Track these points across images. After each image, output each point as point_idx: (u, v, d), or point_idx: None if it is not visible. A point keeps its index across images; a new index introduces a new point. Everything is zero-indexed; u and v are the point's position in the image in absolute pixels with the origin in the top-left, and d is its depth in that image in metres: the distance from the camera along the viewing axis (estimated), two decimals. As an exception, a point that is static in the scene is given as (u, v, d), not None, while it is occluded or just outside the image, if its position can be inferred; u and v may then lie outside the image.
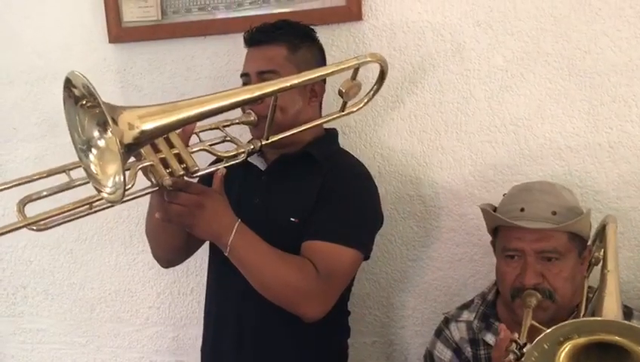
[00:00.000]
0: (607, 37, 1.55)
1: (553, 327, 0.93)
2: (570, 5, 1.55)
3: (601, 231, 1.42)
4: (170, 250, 1.50)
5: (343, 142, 1.62)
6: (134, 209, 1.88)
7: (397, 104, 1.70)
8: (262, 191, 1.46)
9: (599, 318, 0.98)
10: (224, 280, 1.47)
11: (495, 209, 1.43)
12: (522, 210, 1.33)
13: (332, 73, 1.33)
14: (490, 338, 1.40)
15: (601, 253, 1.31)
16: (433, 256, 1.75)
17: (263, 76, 1.38)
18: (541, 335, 0.93)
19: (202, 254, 1.57)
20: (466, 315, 1.46)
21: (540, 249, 1.30)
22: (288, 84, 1.24)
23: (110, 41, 1.81)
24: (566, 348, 0.92)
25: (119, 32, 1.80)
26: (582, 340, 0.90)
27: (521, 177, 1.62)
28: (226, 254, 1.26)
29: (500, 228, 1.38)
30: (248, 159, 1.48)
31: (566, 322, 0.94)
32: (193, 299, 1.93)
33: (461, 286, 1.72)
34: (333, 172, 1.42)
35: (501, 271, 1.37)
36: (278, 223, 1.39)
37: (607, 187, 1.60)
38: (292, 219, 1.40)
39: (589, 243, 1.41)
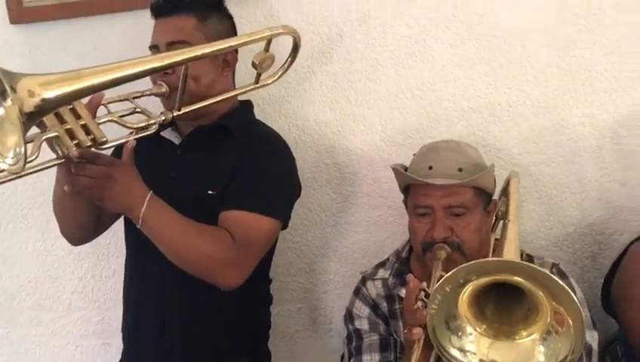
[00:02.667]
0: (503, 1, 1.64)
1: (453, 270, 0.97)
2: (467, -29, 1.63)
3: (506, 186, 1.51)
4: (79, 226, 1.48)
5: (258, 114, 1.63)
6: (49, 193, 1.83)
7: (308, 75, 1.74)
8: (177, 165, 1.47)
9: (495, 258, 1.04)
10: (142, 256, 1.46)
11: (406, 169, 1.49)
12: (430, 168, 1.39)
13: (244, 43, 1.34)
14: (404, 293, 1.46)
15: (505, 207, 1.41)
16: (351, 220, 1.81)
17: (172, 47, 1.38)
18: (442, 279, 0.98)
19: (123, 234, 1.57)
20: (382, 273, 1.52)
21: (447, 204, 1.36)
22: (200, 53, 1.24)
23: (11, 22, 1.75)
24: (467, 290, 0.98)
25: (20, 13, 1.74)
26: (481, 281, 0.96)
27: (429, 140, 1.64)
28: (139, 226, 1.26)
29: (411, 186, 1.44)
30: (162, 134, 1.49)
31: (465, 264, 0.98)
32: (116, 280, 1.91)
33: (379, 248, 1.78)
34: (249, 143, 1.44)
35: (413, 228, 1.43)
36: (196, 196, 1.40)
37: (508, 144, 1.69)
38: (210, 191, 1.40)
39: (495, 197, 1.49)
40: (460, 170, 1.38)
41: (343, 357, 1.53)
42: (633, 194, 1.66)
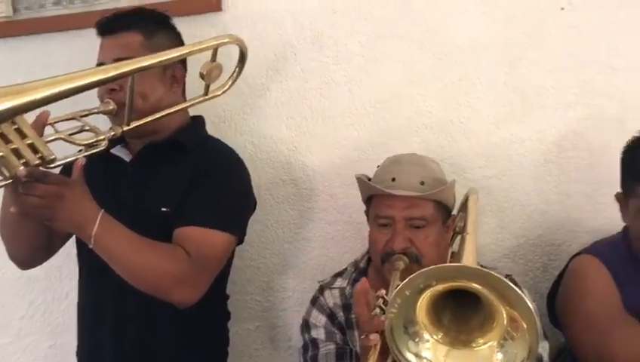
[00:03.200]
0: (453, 19, 1.68)
1: (413, 275, 0.98)
2: (417, -11, 1.67)
3: (465, 201, 1.55)
4: (28, 249, 1.44)
5: (213, 131, 1.63)
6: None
7: (263, 92, 1.75)
8: (129, 184, 1.45)
9: (455, 264, 1.06)
10: (97, 276, 1.44)
11: (369, 180, 1.51)
12: (393, 179, 1.41)
13: (190, 53, 1.35)
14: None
15: (464, 222, 1.44)
16: (308, 236, 1.81)
17: None
18: (402, 283, 0.98)
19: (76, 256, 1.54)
20: (339, 282, 1.53)
21: (409, 216, 1.38)
22: (145, 63, 1.24)
23: (-41, 40, 1.72)
24: (426, 296, 0.99)
25: (-32, 30, 1.71)
26: (439, 287, 0.98)
27: (384, 155, 1.69)
28: (91, 246, 1.24)
29: (374, 197, 1.46)
30: (112, 151, 1.47)
31: (424, 269, 0.99)
32: (69, 303, 1.86)
33: (336, 264, 1.78)
34: (203, 158, 1.44)
35: (373, 238, 1.45)
36: (149, 214, 1.39)
37: (460, 159, 1.73)
38: (163, 208, 1.39)
39: (454, 212, 1.52)
40: (422, 183, 1.40)
41: None
42: (578, 205, 1.72)
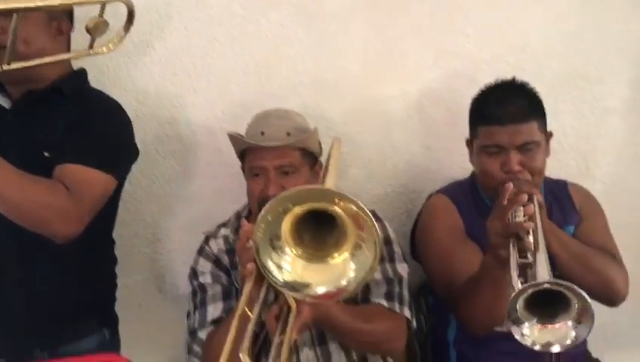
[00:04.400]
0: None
1: (272, 200, 1.08)
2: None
3: (330, 149, 1.70)
4: None
5: (97, 87, 1.67)
6: None
7: (147, 50, 1.80)
8: (9, 131, 1.47)
9: (308, 186, 1.17)
10: None
11: (242, 137, 1.62)
12: (262, 133, 1.54)
13: (78, 3, 1.39)
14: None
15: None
16: (195, 190, 1.90)
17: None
18: (262, 210, 1.08)
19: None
20: (224, 231, 1.65)
21: (279, 164, 1.52)
22: (31, 5, 1.27)
23: None
24: (289, 217, 1.11)
25: None
26: (298, 209, 1.11)
27: None
28: None
29: (246, 151, 1.58)
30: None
31: (282, 193, 1.09)
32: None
33: (222, 215, 1.85)
34: (83, 104, 1.49)
35: (249, 189, 1.57)
36: (31, 160, 1.41)
37: (334, 115, 1.90)
38: (45, 153, 1.43)
39: (321, 159, 1.67)
40: (289, 134, 1.54)
41: (188, 314, 1.61)
42: (437, 157, 1.96)
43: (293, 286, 1.15)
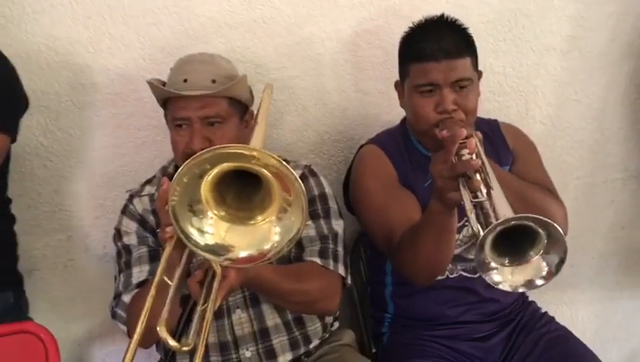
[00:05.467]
0: None
1: (186, 162, 1.00)
2: None
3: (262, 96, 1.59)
4: None
5: (2, 33, 1.51)
6: None
7: (54, -9, 1.63)
8: None
9: (226, 147, 1.07)
10: None
11: (164, 84, 1.49)
12: (185, 80, 1.41)
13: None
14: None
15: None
16: (116, 143, 1.77)
17: None
18: (177, 173, 1.00)
19: None
20: (148, 189, 1.55)
21: (204, 115, 1.41)
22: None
23: None
24: (209, 177, 1.03)
25: None
26: (217, 169, 1.02)
27: None
28: None
29: (169, 100, 1.46)
30: None
31: (195, 156, 0.99)
32: None
33: (147, 169, 1.76)
34: None
35: (173, 141, 1.46)
36: None
37: (265, 60, 1.78)
38: None
39: (252, 108, 1.57)
40: (214, 81, 1.42)
41: (116, 277, 1.54)
42: (375, 102, 1.87)
43: (215, 250, 1.08)
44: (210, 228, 1.06)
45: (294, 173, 0.99)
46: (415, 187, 1.55)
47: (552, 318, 1.67)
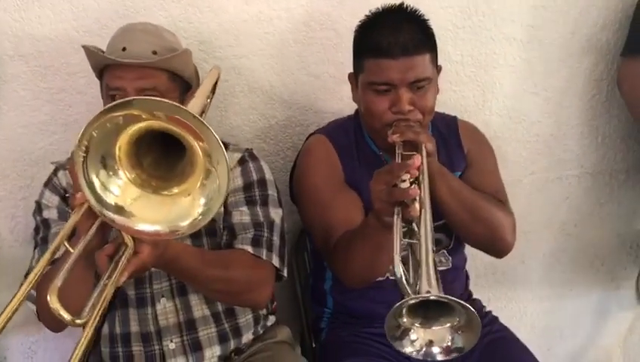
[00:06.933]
0: None
1: (98, 113, 0.91)
2: None
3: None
4: None
5: None
6: None
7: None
8: None
9: (148, 97, 1.01)
10: None
11: (103, 53, 1.39)
12: (124, 49, 1.33)
13: None
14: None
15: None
16: (45, 119, 1.65)
17: None
18: (86, 124, 0.91)
19: None
20: (74, 161, 1.44)
21: (140, 87, 1.32)
22: None
23: None
24: (124, 136, 0.94)
25: None
26: (133, 127, 0.92)
27: None
28: None
29: (106, 68, 1.37)
30: None
31: (107, 106, 0.92)
32: None
33: None
34: None
35: None
36: None
37: (210, 37, 1.67)
38: None
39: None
40: (155, 52, 1.34)
41: None
42: (325, 86, 1.78)
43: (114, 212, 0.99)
44: (117, 190, 0.98)
45: (226, 154, 0.91)
46: (361, 185, 1.45)
47: (496, 318, 1.62)
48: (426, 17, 1.42)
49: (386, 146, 1.40)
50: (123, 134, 0.94)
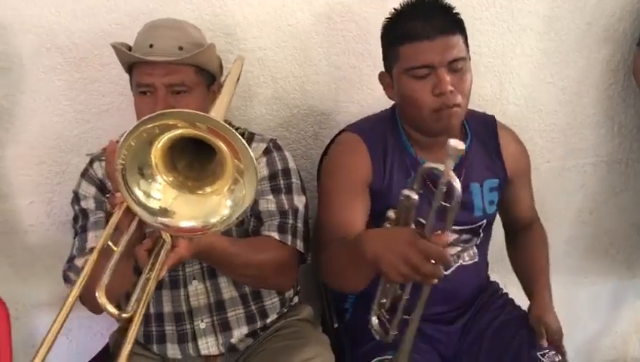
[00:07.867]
0: None
1: (135, 125, 0.97)
2: None
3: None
4: None
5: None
6: None
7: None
8: None
9: (177, 111, 1.05)
10: None
11: (131, 48, 1.45)
12: (151, 46, 1.38)
13: None
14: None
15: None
16: (80, 108, 1.73)
17: None
18: (124, 135, 0.97)
19: None
20: (106, 154, 1.52)
21: (168, 82, 1.37)
22: None
23: None
24: (158, 144, 1.01)
25: None
26: (169, 135, 0.99)
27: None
28: None
29: (134, 65, 1.43)
30: None
31: (143, 119, 0.97)
32: None
33: (111, 135, 1.60)
34: None
35: (137, 108, 1.44)
36: None
37: (235, 29, 1.73)
38: None
39: (221, 79, 1.53)
40: (181, 48, 1.39)
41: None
42: (346, 76, 1.83)
43: (158, 216, 1.06)
44: (158, 194, 1.05)
45: (251, 152, 0.97)
46: (392, 188, 1.47)
47: (511, 300, 1.67)
48: (450, 4, 1.43)
49: (436, 131, 1.41)
50: (157, 142, 1.00)
